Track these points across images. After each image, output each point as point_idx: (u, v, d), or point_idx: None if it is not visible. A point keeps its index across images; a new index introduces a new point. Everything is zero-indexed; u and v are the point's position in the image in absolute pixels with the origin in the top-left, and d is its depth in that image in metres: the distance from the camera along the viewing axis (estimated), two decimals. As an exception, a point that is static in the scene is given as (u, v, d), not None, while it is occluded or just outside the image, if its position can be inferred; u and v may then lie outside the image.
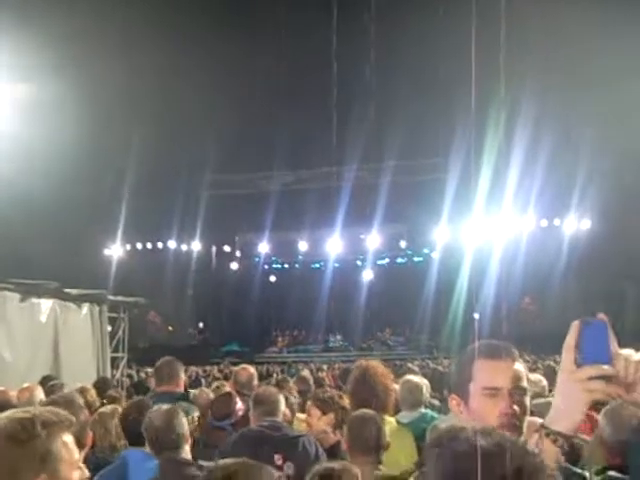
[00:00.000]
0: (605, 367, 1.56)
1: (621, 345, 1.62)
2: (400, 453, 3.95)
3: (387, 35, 27.61)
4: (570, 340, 1.62)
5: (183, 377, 5.26)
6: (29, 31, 16.76)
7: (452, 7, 25.24)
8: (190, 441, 3.66)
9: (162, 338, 35.26)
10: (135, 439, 3.92)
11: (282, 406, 4.14)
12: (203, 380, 14.31)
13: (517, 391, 2.00)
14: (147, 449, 3.86)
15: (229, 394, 4.76)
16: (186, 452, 3.57)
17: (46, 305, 9.99)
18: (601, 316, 1.62)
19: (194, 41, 27.01)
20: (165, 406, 3.71)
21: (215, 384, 7.63)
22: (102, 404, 5.74)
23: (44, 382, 6.42)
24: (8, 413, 2.02)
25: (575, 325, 1.63)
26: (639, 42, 21.72)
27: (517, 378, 2.02)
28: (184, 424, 3.60)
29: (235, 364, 26.32)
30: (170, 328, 38.16)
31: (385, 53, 27.91)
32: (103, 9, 22.25)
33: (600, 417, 3.35)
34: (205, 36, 27.14)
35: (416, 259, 38.74)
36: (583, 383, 1.59)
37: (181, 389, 5.14)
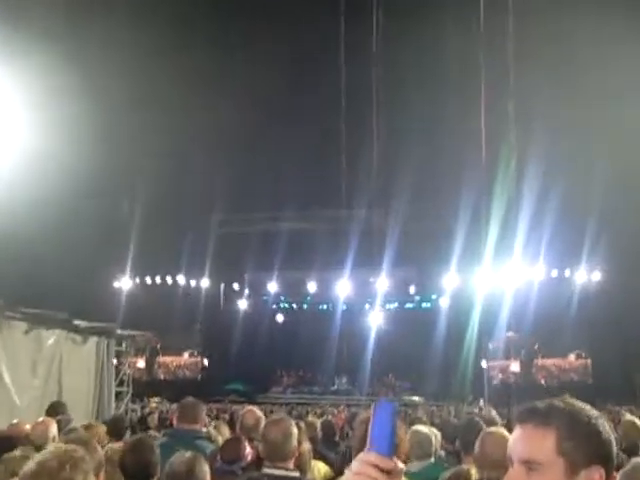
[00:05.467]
0: (372, 456, 1.33)
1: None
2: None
3: (398, 76, 27.89)
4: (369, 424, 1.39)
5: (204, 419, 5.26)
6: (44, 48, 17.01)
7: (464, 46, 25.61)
8: None
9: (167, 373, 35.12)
10: (133, 478, 3.88)
11: (293, 444, 3.86)
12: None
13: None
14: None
15: (238, 439, 4.68)
16: None
17: (52, 336, 9.94)
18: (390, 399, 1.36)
19: (204, 80, 27.29)
20: (188, 453, 3.63)
21: (213, 423, 7.59)
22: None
23: (52, 413, 6.39)
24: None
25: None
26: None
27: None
28: (206, 472, 3.52)
29: (237, 403, 26.19)
30: (175, 364, 37.98)
31: (396, 96, 28.18)
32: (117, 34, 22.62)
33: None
34: (215, 74, 27.41)
35: (424, 305, 38.55)
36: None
37: (202, 428, 5.12)
